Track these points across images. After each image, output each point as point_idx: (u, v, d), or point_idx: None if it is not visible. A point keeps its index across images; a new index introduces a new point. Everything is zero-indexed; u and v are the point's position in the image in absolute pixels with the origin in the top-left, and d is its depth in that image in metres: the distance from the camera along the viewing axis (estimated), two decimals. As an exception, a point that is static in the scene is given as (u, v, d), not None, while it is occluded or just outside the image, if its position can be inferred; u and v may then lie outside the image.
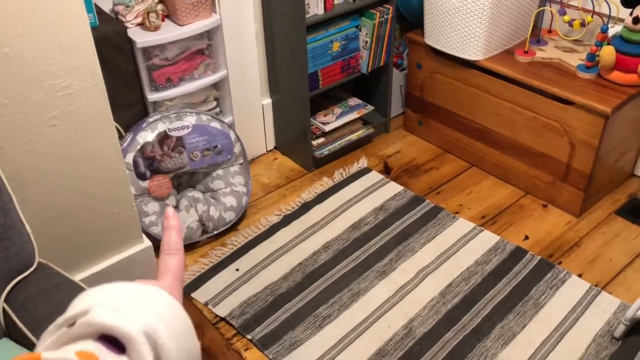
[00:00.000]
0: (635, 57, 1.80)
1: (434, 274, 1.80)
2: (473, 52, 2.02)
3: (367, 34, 2.16)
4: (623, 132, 1.94)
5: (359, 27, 2.15)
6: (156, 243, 1.77)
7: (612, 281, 1.76)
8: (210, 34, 1.94)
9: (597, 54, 1.88)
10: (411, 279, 1.78)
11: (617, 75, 1.85)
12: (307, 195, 2.13)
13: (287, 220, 2.02)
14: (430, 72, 2.25)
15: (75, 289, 1.05)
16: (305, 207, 2.07)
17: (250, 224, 2.01)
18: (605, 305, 1.68)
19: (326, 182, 2.19)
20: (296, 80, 2.09)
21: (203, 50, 1.95)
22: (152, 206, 1.82)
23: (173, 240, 0.48)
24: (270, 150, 2.36)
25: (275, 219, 2.02)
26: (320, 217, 2.03)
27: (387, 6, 2.16)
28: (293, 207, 2.07)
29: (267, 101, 2.26)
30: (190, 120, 1.86)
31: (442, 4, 2.01)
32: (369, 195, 2.13)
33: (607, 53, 1.82)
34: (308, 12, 1.97)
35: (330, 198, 2.12)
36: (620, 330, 1.57)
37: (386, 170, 2.27)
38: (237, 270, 1.83)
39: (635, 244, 1.88)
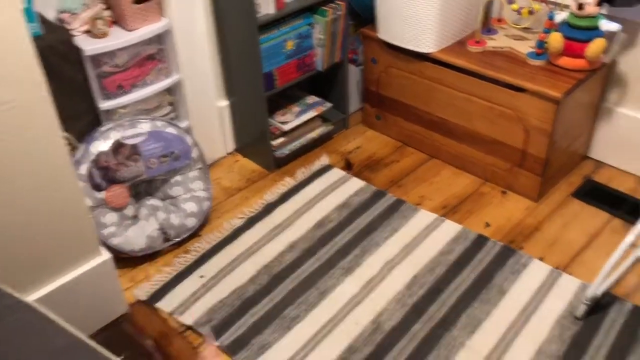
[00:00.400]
0: (582, 42, 1.84)
1: (399, 267, 1.81)
2: (426, 44, 2.04)
3: (320, 32, 2.15)
4: (574, 116, 1.98)
5: (312, 24, 2.14)
6: (116, 254, 1.73)
7: (572, 262, 1.80)
8: (160, 38, 1.90)
9: (545, 40, 1.91)
10: (377, 274, 1.79)
11: (566, 61, 1.89)
12: (270, 196, 2.12)
13: (250, 223, 2.00)
14: (386, 67, 2.26)
15: (28, 311, 1.01)
16: (269, 208, 2.06)
17: (213, 229, 1.98)
18: (567, 287, 1.71)
19: (288, 182, 2.18)
20: (251, 81, 2.07)
21: (154, 55, 1.91)
22: (110, 217, 1.78)
23: None
24: (230, 153, 2.34)
25: (238, 222, 2.00)
26: (284, 218, 2.02)
27: (339, 2, 2.15)
28: (256, 209, 2.06)
29: (224, 103, 2.24)
30: (144, 127, 1.83)
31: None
32: (332, 192, 2.13)
33: (555, 39, 1.86)
34: (259, 12, 1.95)
35: (293, 197, 2.11)
36: (581, 309, 1.61)
37: (348, 167, 2.27)
38: (202, 276, 1.80)
39: (592, 225, 1.92)
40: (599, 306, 1.64)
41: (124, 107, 1.88)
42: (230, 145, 2.33)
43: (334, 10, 2.13)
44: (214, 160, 2.29)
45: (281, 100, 2.30)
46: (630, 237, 1.53)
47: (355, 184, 2.16)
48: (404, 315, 1.65)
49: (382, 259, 1.84)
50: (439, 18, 1.97)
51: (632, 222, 1.88)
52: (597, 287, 1.58)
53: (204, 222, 1.99)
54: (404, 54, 2.15)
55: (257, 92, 2.08)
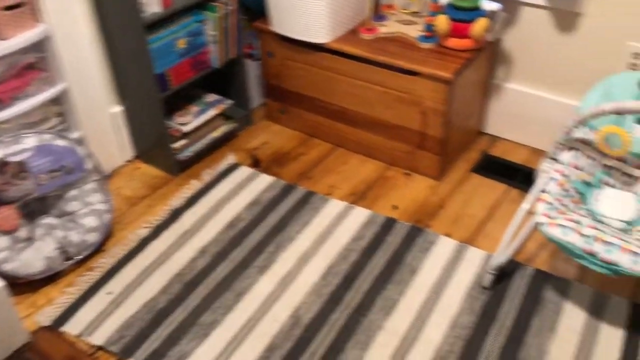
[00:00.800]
0: (467, 22, 1.91)
1: (314, 258, 1.81)
2: (319, 35, 2.04)
3: (212, 28, 2.10)
4: (466, 95, 2.06)
5: (203, 21, 2.09)
6: (12, 280, 1.61)
7: (476, 235, 1.87)
8: (39, 46, 1.78)
9: (433, 23, 1.97)
10: (292, 268, 1.78)
11: (453, 42, 1.96)
12: (176, 201, 2.05)
13: (158, 231, 1.93)
14: (283, 60, 2.25)
15: None
16: (176, 214, 2.00)
17: (117, 242, 1.89)
18: (473, 259, 1.78)
19: (195, 185, 2.12)
20: (144, 84, 1.99)
21: (34, 64, 1.79)
22: (1, 242, 1.65)
23: None
24: (129, 160, 2.24)
25: (144, 232, 1.92)
26: (192, 222, 1.96)
27: (229, -3, 2.11)
28: (162, 217, 1.98)
29: (117, 109, 2.13)
30: (30, 141, 1.71)
31: (282, -10, 2.01)
32: (241, 191, 2.09)
33: (442, 22, 1.92)
34: (145, 11, 1.87)
35: (201, 201, 2.05)
36: (488, 279, 1.68)
37: (255, 163, 2.24)
38: (110, 293, 1.72)
39: (491, 197, 2.01)
40: (504, 274, 1.72)
41: (4, 122, 1.74)
42: (129, 152, 2.23)
43: (224, 5, 2.09)
44: (113, 169, 2.18)
45: (179, 100, 2.23)
46: (525, 205, 1.61)
47: (264, 180, 2.14)
48: (322, 306, 1.66)
49: (297, 253, 1.84)
50: (329, 8, 1.98)
51: (527, 191, 1.98)
52: (499, 256, 1.65)
53: (107, 235, 1.89)
54: (299, 46, 2.15)
55: (152, 95, 2.00)
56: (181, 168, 2.19)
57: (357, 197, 2.05)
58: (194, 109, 2.22)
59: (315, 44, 2.08)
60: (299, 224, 1.94)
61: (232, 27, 2.16)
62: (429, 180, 2.11)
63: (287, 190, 2.08)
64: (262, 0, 2.14)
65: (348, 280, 1.73)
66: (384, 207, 2.00)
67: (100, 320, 1.64)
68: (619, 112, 1.45)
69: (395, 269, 1.76)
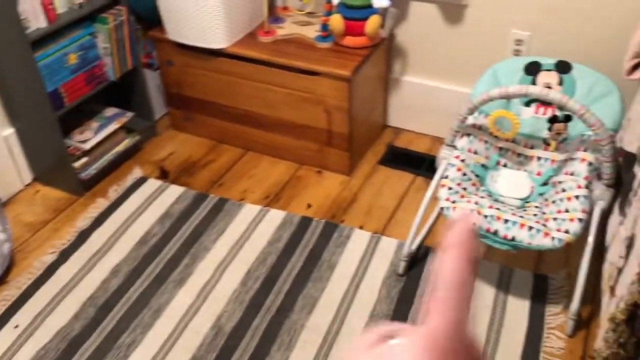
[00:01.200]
0: (360, 20, 1.96)
1: (232, 265, 1.80)
2: (217, 40, 2.03)
3: (104, 40, 2.03)
4: (367, 90, 2.12)
5: (94, 34, 2.01)
6: None
7: (388, 225, 1.94)
8: None
9: (328, 23, 2.01)
10: (210, 278, 1.76)
11: (349, 40, 2.00)
12: (83, 222, 1.97)
13: (65, 256, 1.84)
14: (183, 67, 2.21)
15: None
16: (83, 236, 1.92)
17: (21, 271, 1.79)
18: (387, 249, 1.84)
19: (101, 203, 2.05)
20: (36, 103, 1.89)
21: None
22: None
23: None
24: (28, 184, 2.12)
25: (51, 258, 1.83)
26: (102, 242, 1.89)
27: (119, 8, 2.05)
28: (69, 240, 1.90)
29: (9, 131, 2.02)
30: None
31: (174, -2, 1.97)
32: (151, 205, 2.04)
33: (336, 21, 1.96)
34: (29, 27, 1.78)
35: (109, 219, 1.98)
36: (402, 266, 1.74)
37: (164, 175, 2.19)
38: (17, 326, 1.62)
39: (399, 187, 2.09)
40: (417, 259, 1.79)
41: None
42: (27, 176, 2.11)
43: (115, 16, 2.02)
44: (10, 195, 2.06)
45: (77, 117, 2.13)
46: (429, 192, 1.69)
47: (175, 191, 2.10)
48: (243, 313, 1.65)
49: (214, 262, 1.82)
50: (224, 13, 1.97)
51: (431, 178, 2.07)
52: (410, 243, 1.71)
53: (9, 266, 1.79)
54: (198, 52, 2.12)
55: (45, 114, 1.91)
56: (85, 187, 2.10)
57: (271, 200, 2.05)
58: (94, 124, 2.14)
59: (213, 49, 2.06)
60: (214, 232, 1.92)
61: (126, 38, 2.09)
62: (340, 176, 2.15)
63: (198, 200, 2.05)
64: (155, 9, 2.09)
65: (268, 284, 1.74)
66: (298, 206, 2.02)
67: (8, 357, 1.55)
68: (506, 97, 1.55)
69: (314, 267, 1.78)
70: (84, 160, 2.07)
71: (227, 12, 1.98)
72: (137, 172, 2.18)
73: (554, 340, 1.56)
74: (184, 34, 2.06)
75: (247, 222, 1.95)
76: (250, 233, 1.91)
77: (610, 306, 1.02)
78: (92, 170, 2.10)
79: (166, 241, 1.89)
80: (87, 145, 2.06)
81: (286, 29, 2.12)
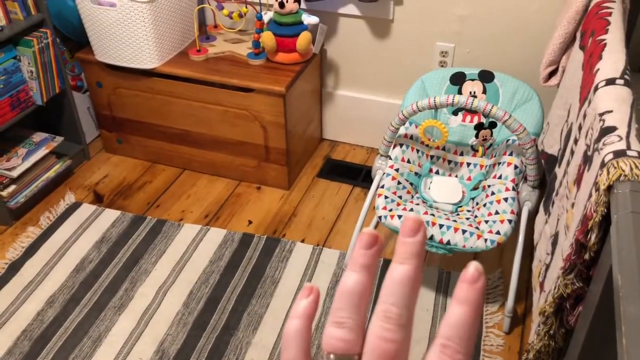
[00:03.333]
0: (291, 37, 1.99)
1: (174, 287, 1.77)
2: (147, 60, 2.01)
3: (29, 63, 1.97)
4: (302, 105, 2.15)
5: (18, 57, 1.95)
6: None
7: (329, 237, 1.96)
8: None
9: (260, 40, 2.03)
10: (152, 301, 1.73)
11: (282, 57, 2.03)
12: (13, 253, 1.89)
13: (-5, 289, 1.76)
14: (114, 88, 2.17)
15: None
16: (14, 267, 1.84)
17: (-53, 308, 1.70)
18: (329, 260, 1.87)
19: (32, 232, 1.97)
20: (-43, 131, 1.81)
21: None
22: None
23: None
24: (-49, 217, 2.02)
25: (-21, 293, 1.75)
26: (35, 273, 1.82)
27: (44, 30, 1.99)
28: (-1, 272, 1.82)
29: None
30: None
31: (101, 19, 1.94)
32: (86, 230, 1.98)
33: (267, 38, 1.98)
34: (-54, 53, 1.70)
35: (42, 248, 1.91)
36: (344, 277, 1.77)
37: (98, 199, 2.13)
38: (-55, 367, 1.54)
39: (338, 198, 2.12)
40: (359, 269, 1.82)
41: None
42: (-50, 208, 2.01)
43: (40, 39, 1.97)
44: None
45: (2, 144, 2.05)
46: (367, 202, 1.72)
47: (110, 215, 2.05)
48: (187, 335, 1.63)
49: (155, 284, 1.78)
50: (154, 33, 1.95)
51: (369, 188, 2.12)
52: (351, 253, 1.74)
53: None
54: (129, 73, 2.09)
55: (-32, 142, 1.83)
56: (14, 216, 2.02)
57: (211, 218, 2.04)
58: (21, 151, 2.06)
59: (144, 69, 2.04)
60: (153, 254, 1.89)
61: (52, 61, 2.04)
62: (280, 190, 2.16)
63: (136, 222, 2.01)
64: (82, 30, 2.05)
65: (212, 303, 1.72)
66: (239, 223, 2.01)
67: (-64, 401, 1.46)
68: (434, 107, 1.61)
69: (258, 283, 1.78)
70: (12, 188, 1.99)
71: (157, 32, 1.97)
72: (69, 198, 2.12)
73: (493, 338, 1.62)
74: (113, 54, 2.02)
75: (187, 242, 1.93)
76: (190, 253, 1.89)
77: (540, 301, 1.08)
78: (21, 198, 2.02)
79: (104, 267, 1.84)
80: (15, 173, 1.98)
81: (218, 47, 2.12)
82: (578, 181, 0.99)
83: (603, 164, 0.82)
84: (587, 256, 0.86)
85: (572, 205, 1.00)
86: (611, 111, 0.93)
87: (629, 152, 0.81)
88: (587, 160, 0.96)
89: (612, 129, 0.89)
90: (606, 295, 0.79)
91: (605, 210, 0.80)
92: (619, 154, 0.81)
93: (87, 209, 2.07)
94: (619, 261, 0.64)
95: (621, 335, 0.57)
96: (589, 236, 0.84)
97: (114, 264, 1.86)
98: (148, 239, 1.95)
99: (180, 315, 1.68)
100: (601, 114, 0.94)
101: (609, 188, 0.78)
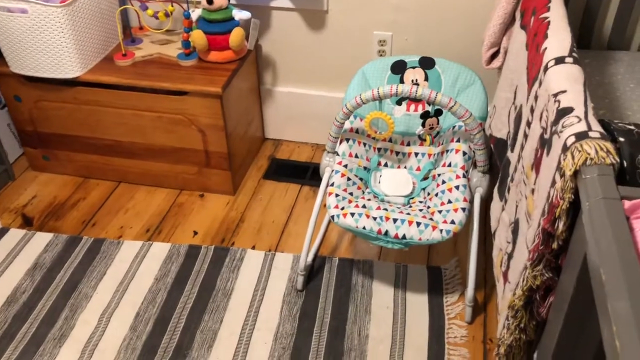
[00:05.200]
0: (223, 34, 1.89)
1: (118, 311, 1.65)
2: (69, 69, 1.86)
3: None
4: (241, 105, 2.05)
5: None
6: None
7: (281, 240, 1.88)
8: None
9: (189, 40, 1.92)
10: (95, 328, 1.60)
11: (214, 55, 1.93)
12: None
13: None
14: (35, 102, 2.00)
15: None
16: (-64, 306, 1.66)
17: None
18: (283, 265, 1.79)
19: (-46, 265, 1.79)
20: None
21: None
22: None
23: None
24: None
25: None
26: (-40, 310, 1.66)
27: (-53, 42, 1.81)
28: None
29: None
30: None
31: (12, 27, 1.78)
32: (16, 258, 1.82)
33: (198, 37, 1.87)
34: None
35: (-34, 281, 1.74)
36: (300, 281, 1.70)
37: (27, 222, 1.97)
38: None
39: (287, 199, 2.04)
40: (314, 271, 1.75)
41: None
42: None
43: (-57, 52, 1.79)
44: None
45: None
46: (318, 201, 1.65)
47: (42, 239, 1.89)
48: (138, 359, 1.52)
49: (97, 310, 1.65)
50: (74, 39, 1.81)
51: (317, 186, 2.05)
52: (305, 256, 1.67)
53: None
54: (50, 84, 1.93)
55: None
56: None
57: (153, 233, 1.92)
58: None
59: (66, 79, 1.89)
60: (93, 277, 1.75)
61: (-40, 76, 1.86)
62: (225, 196, 2.06)
63: (71, 244, 1.86)
64: (-8, 40, 1.88)
65: (161, 324, 1.61)
66: (183, 235, 1.90)
67: None
68: (377, 99, 1.55)
69: (209, 297, 1.68)
70: None
71: (76, 38, 1.82)
72: (-6, 224, 1.95)
73: (456, 330, 1.59)
74: (30, 65, 1.86)
75: (128, 260, 1.80)
76: (134, 272, 1.77)
77: (506, 293, 1.04)
78: (-62, 229, 1.84)
79: (39, 295, 1.70)
80: None
81: (145, 50, 1.99)
82: (536, 166, 0.95)
83: (565, 148, 0.78)
84: (555, 245, 0.82)
85: (532, 191, 0.96)
86: (565, 91, 0.90)
87: (591, 134, 0.77)
88: (544, 143, 0.92)
89: (568, 110, 0.85)
90: (581, 285, 0.75)
91: (573, 197, 0.75)
92: (580, 136, 0.77)
93: (15, 234, 1.91)
94: (599, 254, 0.59)
95: (612, 335, 0.52)
96: (556, 224, 0.80)
97: (50, 291, 1.71)
98: (86, 261, 1.81)
99: (127, 341, 1.56)
100: (555, 95, 0.91)
101: (575, 173, 0.74)
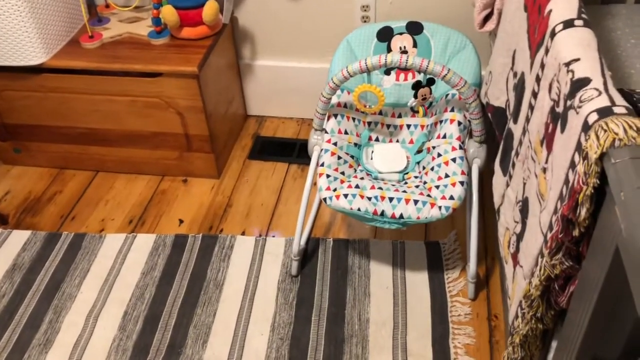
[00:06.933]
0: (195, 8, 1.76)
1: (105, 310, 1.57)
2: (32, 56, 1.73)
3: None
4: (219, 83, 1.94)
5: None
6: None
7: (272, 224, 1.80)
8: None
9: (160, 16, 1.79)
10: (82, 331, 1.52)
11: (187, 32, 1.80)
12: None
13: None
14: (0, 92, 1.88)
15: None
16: None
17: None
18: (276, 250, 1.71)
19: None
20: None
21: None
22: None
23: None
24: None
25: None
26: (-63, 320, 1.56)
27: None
28: None
29: None
30: None
31: (-34, 12, 1.64)
32: (-8, 259, 1.73)
33: (168, 13, 1.75)
34: None
35: (-59, 288, 1.65)
36: (294, 267, 1.62)
37: (2, 221, 1.86)
38: None
39: (275, 180, 1.95)
40: (308, 255, 1.68)
41: None
42: None
43: None
44: None
45: None
46: (308, 182, 1.56)
47: (19, 237, 1.79)
48: (129, 363, 1.44)
49: (83, 311, 1.57)
50: (33, 23, 1.67)
51: (305, 163, 1.96)
52: (298, 240, 1.59)
53: None
54: (14, 72, 1.80)
55: None
56: None
57: (136, 224, 1.82)
58: None
59: (30, 66, 1.76)
60: (76, 276, 1.66)
61: None
62: (209, 180, 1.96)
63: (50, 241, 1.77)
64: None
65: (151, 322, 1.53)
66: (169, 225, 1.81)
67: None
68: (365, 71, 1.45)
69: (200, 290, 1.60)
70: None
71: (37, 21, 1.68)
72: (-33, 225, 1.84)
73: (460, 307, 1.53)
74: (-11, 53, 1.73)
75: (112, 256, 1.71)
76: (119, 268, 1.68)
77: (518, 277, 0.97)
78: None
79: (20, 299, 1.61)
80: None
81: (113, 30, 1.86)
82: (548, 142, 0.86)
83: (587, 126, 0.69)
84: (576, 232, 0.75)
85: (544, 170, 0.88)
86: (578, 59, 0.81)
87: (615, 109, 0.68)
88: (556, 117, 0.83)
89: (585, 81, 0.76)
90: (613, 276, 0.68)
91: (598, 182, 0.67)
92: (604, 112, 0.69)
93: (-10, 234, 1.81)
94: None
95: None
96: (577, 211, 0.72)
97: (31, 293, 1.62)
98: (67, 258, 1.72)
99: (117, 342, 1.49)
100: (567, 64, 0.82)
101: (601, 156, 0.66)
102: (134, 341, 1.49)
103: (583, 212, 0.71)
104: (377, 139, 1.66)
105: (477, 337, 1.46)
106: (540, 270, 0.83)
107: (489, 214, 1.76)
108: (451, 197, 1.43)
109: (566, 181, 0.76)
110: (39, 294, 1.62)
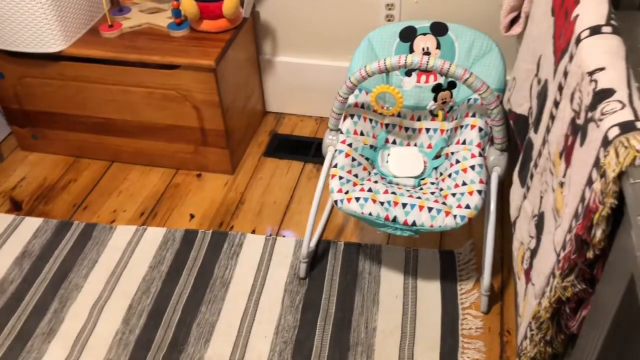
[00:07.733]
0: (216, 1, 1.74)
1: (110, 302, 1.56)
2: (51, 43, 1.72)
3: None
4: (238, 78, 1.91)
5: None
6: None
7: (283, 223, 1.77)
8: None
9: (180, 8, 1.77)
10: (86, 322, 1.51)
11: (207, 25, 1.78)
12: None
13: None
14: (19, 78, 1.88)
15: None
16: None
17: None
18: (285, 250, 1.67)
19: (-60, 254, 1.71)
20: None
21: None
22: None
23: None
24: None
25: None
26: (-55, 303, 1.57)
27: None
28: None
29: None
30: None
31: (-13, -3, 1.64)
32: (4, 245, 1.73)
33: (188, 5, 1.72)
34: None
35: (-48, 271, 1.66)
36: (303, 269, 1.59)
37: (16, 207, 1.87)
38: None
39: (289, 178, 1.92)
40: (318, 257, 1.64)
41: None
42: None
43: None
44: None
45: None
46: (320, 184, 1.53)
47: (31, 224, 1.79)
48: (130, 357, 1.42)
49: (88, 301, 1.56)
50: (54, 10, 1.67)
51: (321, 163, 1.92)
52: (308, 242, 1.56)
53: None
54: (34, 59, 1.80)
55: None
56: None
57: (147, 216, 1.81)
58: None
59: (50, 53, 1.75)
60: (84, 266, 1.66)
61: (-64, 52, 1.73)
62: (223, 176, 1.94)
63: (61, 230, 1.76)
64: (-32, 13, 1.74)
65: (155, 317, 1.51)
66: (180, 219, 1.79)
67: None
68: (385, 71, 1.41)
69: (206, 287, 1.58)
70: None
71: (58, 9, 1.68)
72: (-19, 209, 1.85)
73: (471, 320, 1.47)
74: (10, 40, 1.73)
75: (121, 247, 1.70)
76: (127, 260, 1.67)
77: (529, 296, 0.92)
78: None
79: (27, 286, 1.61)
80: None
81: (133, 20, 1.85)
82: (567, 156, 0.81)
83: (607, 142, 0.64)
84: (590, 254, 0.69)
85: (561, 184, 0.82)
86: (603, 68, 0.75)
87: (639, 125, 0.63)
88: (577, 130, 0.78)
89: (609, 93, 0.71)
90: (627, 305, 0.62)
91: (616, 202, 0.62)
92: (626, 127, 0.63)
93: (3, 219, 1.81)
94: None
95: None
96: (592, 232, 0.66)
97: (39, 281, 1.62)
98: (77, 247, 1.71)
99: (120, 335, 1.47)
100: (590, 73, 0.76)
101: (620, 175, 0.60)
102: (136, 335, 1.47)
103: (598, 233, 0.65)
104: (394, 142, 1.62)
105: (488, 353, 1.40)
106: (550, 291, 0.77)
107: (507, 225, 1.70)
108: (467, 206, 1.38)
109: (582, 198, 0.70)
110: (46, 282, 1.62)
